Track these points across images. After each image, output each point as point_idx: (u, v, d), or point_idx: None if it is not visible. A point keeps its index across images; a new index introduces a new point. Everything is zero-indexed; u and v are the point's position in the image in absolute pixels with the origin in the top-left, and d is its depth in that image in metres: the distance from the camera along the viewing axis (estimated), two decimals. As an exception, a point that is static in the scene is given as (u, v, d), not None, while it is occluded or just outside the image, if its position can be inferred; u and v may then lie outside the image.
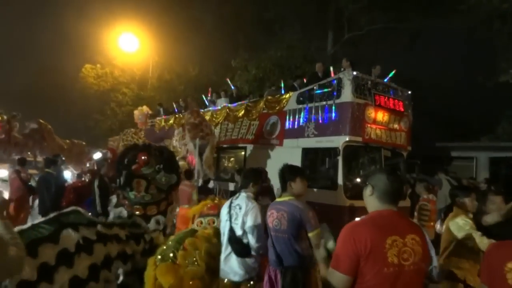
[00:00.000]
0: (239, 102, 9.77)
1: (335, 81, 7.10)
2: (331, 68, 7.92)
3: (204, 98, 12.01)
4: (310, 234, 2.88)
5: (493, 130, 12.78)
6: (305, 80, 8.65)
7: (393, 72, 7.82)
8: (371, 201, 2.07)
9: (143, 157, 3.89)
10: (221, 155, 10.06)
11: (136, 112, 13.51)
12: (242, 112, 9.29)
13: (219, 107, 10.43)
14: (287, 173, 3.19)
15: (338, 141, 6.77)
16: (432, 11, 14.88)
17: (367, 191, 2.11)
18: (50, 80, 29.40)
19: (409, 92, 7.85)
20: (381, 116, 7.13)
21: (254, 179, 3.51)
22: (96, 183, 6.35)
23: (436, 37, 16.47)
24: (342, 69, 7.55)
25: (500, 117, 13.03)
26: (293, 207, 2.98)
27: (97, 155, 9.68)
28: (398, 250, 1.86)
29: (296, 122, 7.73)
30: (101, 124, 23.33)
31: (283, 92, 8.86)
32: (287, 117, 7.96)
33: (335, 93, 7.04)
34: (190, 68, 21.37)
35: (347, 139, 6.73)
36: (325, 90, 7.26)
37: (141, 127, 13.06)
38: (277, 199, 3.19)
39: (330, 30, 17.82)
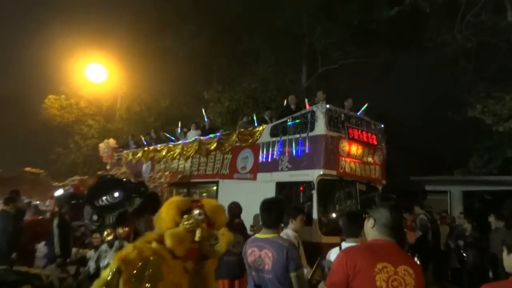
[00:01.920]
0: (212, 135, 9.90)
1: (308, 114, 7.34)
2: (306, 100, 8.20)
3: (176, 131, 12.14)
4: (292, 274, 2.80)
5: (465, 164, 13.35)
6: (271, 112, 9.11)
7: (366, 105, 8.19)
8: (371, 232, 2.20)
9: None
10: (192, 190, 10.00)
11: (101, 145, 13.28)
12: (215, 145, 9.38)
13: (190, 140, 10.50)
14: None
15: (313, 175, 6.88)
16: (403, 47, 15.78)
17: (369, 223, 2.23)
18: (10, 109, 28.52)
19: (382, 126, 8.17)
20: (355, 149, 7.34)
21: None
22: (55, 222, 6.07)
23: (407, 72, 17.44)
24: (316, 102, 7.87)
25: (470, 151, 13.66)
26: (278, 246, 2.89)
27: (59, 192, 9.35)
28: (388, 277, 1.94)
29: (270, 155, 7.85)
30: (64, 158, 22.61)
31: (256, 124, 9.06)
32: (261, 150, 8.08)
33: (308, 126, 7.26)
34: (161, 99, 21.43)
35: (322, 172, 6.85)
36: (299, 122, 7.49)
37: (106, 161, 12.76)
38: (258, 236, 3.10)
39: (304, 64, 18.59)
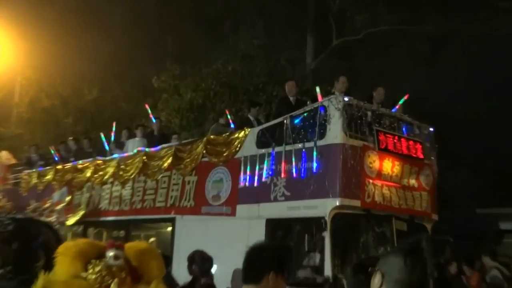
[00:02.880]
0: (164, 145, 9.98)
1: (317, 112, 7.45)
2: (318, 90, 8.17)
3: (104, 139, 12.15)
4: None
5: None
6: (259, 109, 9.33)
7: (406, 97, 8.30)
8: None
9: None
10: (133, 234, 10.07)
11: (-13, 162, 13.08)
12: (169, 160, 9.45)
13: (131, 153, 10.56)
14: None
15: (324, 207, 6.95)
16: (461, 8, 16.03)
17: (376, 280, 2.21)
18: None
19: (432, 129, 8.31)
20: (389, 166, 7.47)
21: None
22: None
23: (467, 46, 17.41)
24: (332, 91, 8.03)
25: None
26: None
27: None
28: None
29: (256, 177, 7.93)
30: None
31: (232, 126, 9.25)
32: (242, 169, 8.17)
33: (317, 131, 7.34)
34: (85, 89, 21.24)
35: (338, 203, 6.93)
36: (302, 125, 7.63)
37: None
38: None
39: (310, 34, 18.66)
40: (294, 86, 9.03)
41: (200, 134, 10.61)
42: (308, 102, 8.22)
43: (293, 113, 7.84)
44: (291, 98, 8.75)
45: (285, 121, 7.84)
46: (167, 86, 17.06)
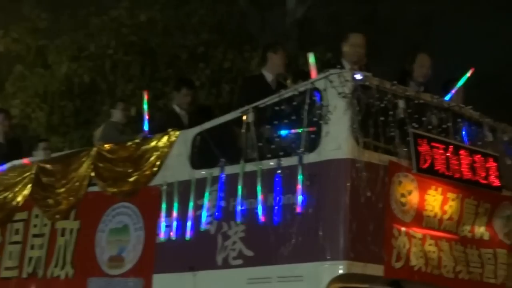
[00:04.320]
0: (16, 162, 9.33)
1: (312, 100, 6.73)
2: (312, 58, 7.41)
3: None
4: None
5: None
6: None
7: (468, 74, 7.78)
8: None
9: None
10: None
11: None
12: (25, 191, 8.80)
13: None
14: None
15: (317, 279, 6.31)
16: None
17: None
18: None
19: None
20: (437, 202, 6.88)
21: None
22: None
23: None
24: (334, 63, 7.52)
25: None
26: None
27: None
28: None
29: (189, 223, 7.30)
30: None
31: (146, 126, 8.74)
32: (164, 209, 7.56)
33: (304, 136, 6.70)
34: None
35: (342, 271, 6.26)
36: (277, 125, 6.99)
37: None
38: None
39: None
40: (282, 56, 8.34)
41: (85, 141, 10.28)
42: (288, 82, 7.59)
43: (259, 103, 7.15)
44: (269, 78, 8.05)
45: (244, 117, 7.06)
46: (23, 49, 15.95)
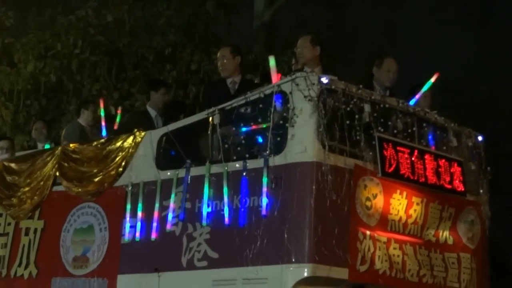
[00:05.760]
0: None
1: (276, 102, 6.70)
2: (272, 61, 7.43)
3: None
4: None
5: None
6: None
7: (435, 78, 7.75)
8: None
9: None
10: None
11: None
12: None
13: None
14: None
15: (281, 281, 6.31)
16: None
17: None
18: None
19: (481, 138, 8.00)
20: (402, 206, 6.90)
21: None
22: None
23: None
24: (298, 65, 7.68)
25: None
26: None
27: None
28: None
29: (154, 224, 7.23)
30: None
31: (104, 132, 8.71)
32: (129, 209, 7.51)
33: (269, 138, 6.68)
34: None
35: (306, 273, 6.26)
36: (242, 127, 7.00)
37: None
38: None
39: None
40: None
41: (51, 140, 9.87)
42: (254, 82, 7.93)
43: (226, 105, 7.13)
44: (229, 81, 8.06)
45: (210, 118, 7.04)
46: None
